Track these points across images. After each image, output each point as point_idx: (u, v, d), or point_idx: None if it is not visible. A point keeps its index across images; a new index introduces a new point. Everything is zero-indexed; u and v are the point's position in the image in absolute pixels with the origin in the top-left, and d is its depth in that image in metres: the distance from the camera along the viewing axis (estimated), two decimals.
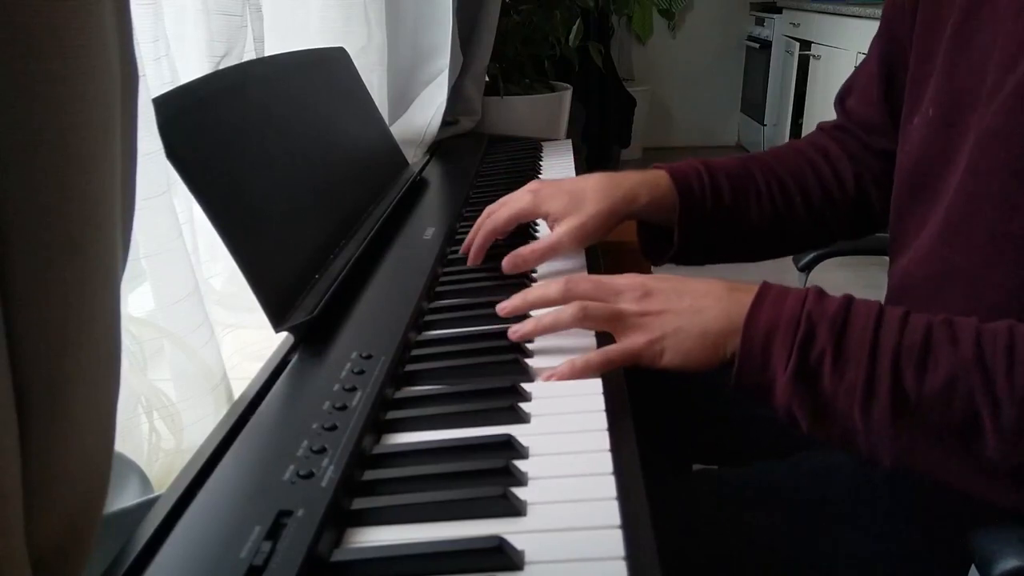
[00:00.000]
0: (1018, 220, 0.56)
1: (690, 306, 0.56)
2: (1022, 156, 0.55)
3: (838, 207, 0.83)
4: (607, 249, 0.82)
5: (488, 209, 0.82)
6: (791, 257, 1.10)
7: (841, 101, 0.87)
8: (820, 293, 0.54)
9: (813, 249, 0.90)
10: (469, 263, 0.80)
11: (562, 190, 0.78)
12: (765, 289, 0.55)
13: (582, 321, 0.58)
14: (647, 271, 0.77)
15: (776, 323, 0.53)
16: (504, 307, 0.64)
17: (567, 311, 0.59)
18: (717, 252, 0.83)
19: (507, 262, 0.75)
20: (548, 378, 0.57)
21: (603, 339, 0.61)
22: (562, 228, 0.75)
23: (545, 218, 0.78)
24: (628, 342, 0.57)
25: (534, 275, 0.78)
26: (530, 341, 0.62)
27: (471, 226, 0.91)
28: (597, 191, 0.76)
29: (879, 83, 0.79)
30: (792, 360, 0.51)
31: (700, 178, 0.79)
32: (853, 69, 0.86)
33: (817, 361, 0.51)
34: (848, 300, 0.53)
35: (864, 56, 0.84)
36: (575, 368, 0.56)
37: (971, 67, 0.62)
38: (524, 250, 0.75)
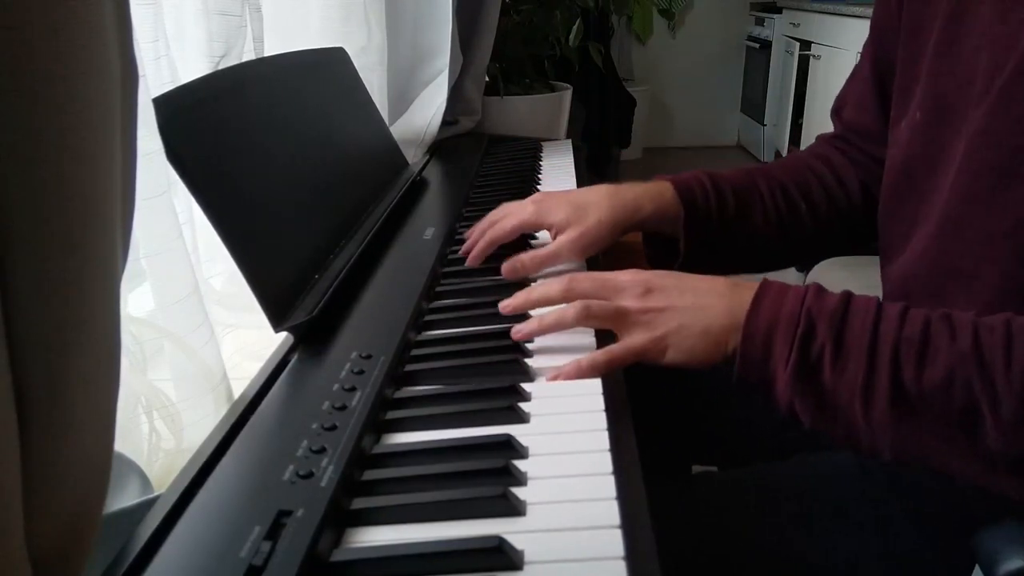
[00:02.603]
0: (1009, 219, 0.56)
1: (693, 303, 0.57)
2: (1010, 155, 0.56)
3: (844, 216, 0.83)
4: (607, 249, 0.82)
5: (490, 216, 0.82)
6: None
7: (837, 112, 0.87)
8: (820, 290, 0.55)
9: (818, 259, 0.90)
10: (469, 264, 0.80)
11: (566, 201, 0.78)
12: (766, 286, 0.56)
13: (585, 320, 0.59)
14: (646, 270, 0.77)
15: (776, 320, 0.53)
16: (506, 305, 0.64)
17: (570, 310, 0.59)
18: (723, 261, 0.83)
19: (506, 267, 0.75)
20: (554, 378, 0.57)
21: (602, 338, 0.62)
22: (563, 237, 0.75)
23: (549, 229, 0.78)
24: (631, 340, 0.57)
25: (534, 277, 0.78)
26: (530, 341, 0.62)
27: (471, 226, 0.91)
28: (601, 202, 0.77)
29: (873, 90, 0.80)
30: (792, 356, 0.52)
31: (704, 189, 0.79)
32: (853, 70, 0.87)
33: (817, 357, 0.52)
34: (847, 296, 0.54)
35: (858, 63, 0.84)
36: (581, 368, 0.56)
37: (958, 71, 0.63)
38: (524, 257, 0.75)
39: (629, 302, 0.59)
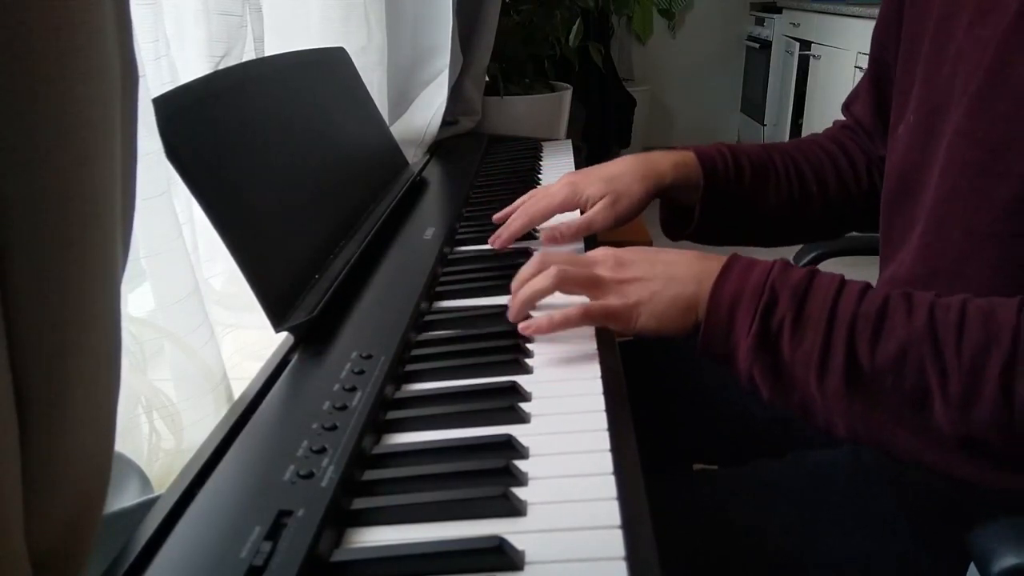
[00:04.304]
0: (990, 218, 0.57)
1: (663, 272, 0.59)
2: (988, 153, 0.57)
3: (853, 199, 0.87)
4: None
5: (524, 200, 0.85)
6: (792, 256, 1.11)
7: (847, 107, 0.90)
8: (786, 264, 0.56)
9: (825, 239, 0.96)
10: (497, 246, 0.82)
11: (598, 177, 0.82)
12: (733, 259, 0.57)
13: (561, 283, 0.61)
14: None
15: (741, 291, 0.54)
16: (512, 314, 0.64)
17: (546, 275, 0.61)
18: (734, 232, 0.87)
19: (546, 235, 0.81)
20: (526, 330, 0.60)
21: (601, 337, 0.62)
22: (596, 207, 0.80)
23: (584, 206, 0.82)
24: (606, 300, 0.60)
25: None
26: (531, 340, 0.63)
27: (471, 226, 0.91)
28: (631, 173, 0.81)
29: (871, 94, 0.84)
30: (754, 327, 0.53)
31: (724, 159, 0.83)
32: (852, 69, 0.89)
33: (777, 328, 0.53)
34: (812, 271, 0.55)
35: (866, 58, 0.87)
36: (553, 321, 0.59)
37: (944, 74, 0.64)
38: (561, 226, 0.81)
39: (603, 272, 0.61)
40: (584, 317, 0.59)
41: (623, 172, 0.82)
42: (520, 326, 0.60)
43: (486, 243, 0.86)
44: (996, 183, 0.57)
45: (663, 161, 0.82)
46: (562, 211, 0.83)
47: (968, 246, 0.59)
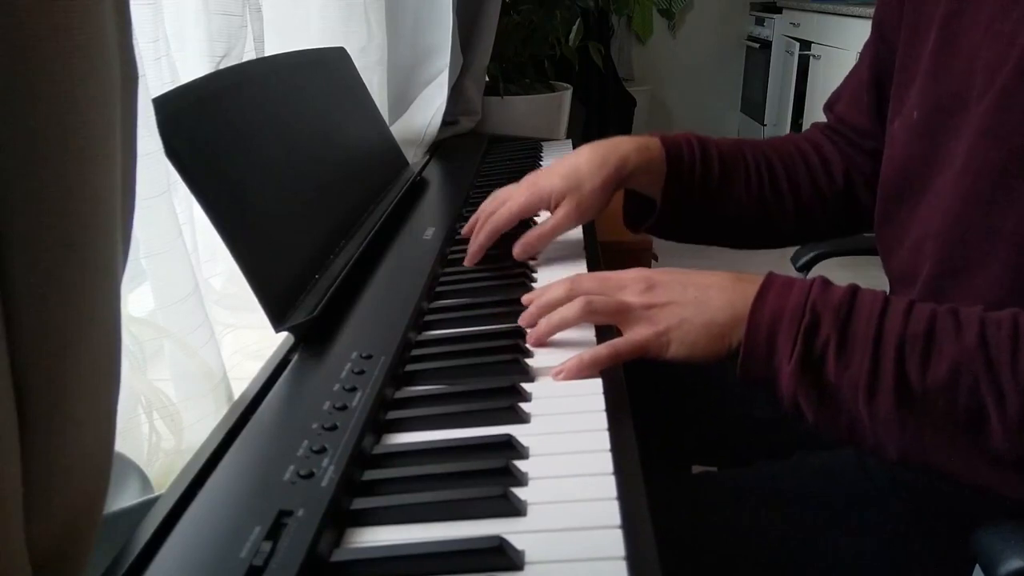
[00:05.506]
0: (1011, 218, 0.56)
1: (695, 297, 0.57)
2: (1013, 154, 0.55)
3: (826, 201, 0.84)
4: (607, 250, 0.82)
5: (485, 207, 0.82)
6: (789, 257, 1.10)
7: (830, 107, 0.88)
8: (825, 283, 0.54)
9: (796, 244, 0.91)
10: (467, 263, 0.80)
11: (557, 174, 0.79)
12: (770, 279, 0.55)
13: (588, 315, 0.59)
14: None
15: (780, 313, 0.53)
16: (523, 318, 0.64)
17: (573, 307, 0.59)
18: (699, 228, 0.84)
19: (518, 250, 0.78)
20: (557, 376, 0.57)
21: (601, 334, 0.62)
22: (561, 210, 0.78)
23: (549, 206, 0.79)
24: (634, 334, 0.57)
25: (534, 275, 0.78)
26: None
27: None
28: (590, 165, 0.78)
29: (870, 89, 0.80)
30: (796, 350, 0.51)
31: (691, 148, 0.81)
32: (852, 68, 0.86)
33: (821, 351, 0.51)
34: (853, 289, 0.53)
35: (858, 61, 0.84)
36: (583, 363, 0.56)
37: (958, 69, 0.62)
38: (530, 235, 0.78)
39: (631, 298, 0.59)
40: (613, 356, 0.57)
41: (581, 165, 0.78)
42: (553, 371, 0.58)
43: None
44: (1019, 185, 0.55)
45: (625, 145, 0.79)
46: (526, 216, 0.81)
47: (987, 247, 0.58)
